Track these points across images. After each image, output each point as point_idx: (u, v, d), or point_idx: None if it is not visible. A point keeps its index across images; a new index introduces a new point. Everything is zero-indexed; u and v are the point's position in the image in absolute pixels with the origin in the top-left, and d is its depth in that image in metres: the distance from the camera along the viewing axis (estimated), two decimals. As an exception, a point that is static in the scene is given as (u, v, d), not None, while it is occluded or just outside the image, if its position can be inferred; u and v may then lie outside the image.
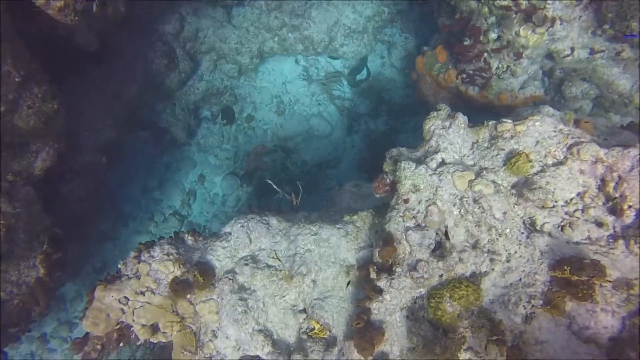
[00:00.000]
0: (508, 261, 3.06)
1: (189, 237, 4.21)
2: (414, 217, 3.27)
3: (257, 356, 3.65)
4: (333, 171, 8.55)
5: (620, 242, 2.88)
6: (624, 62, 5.79)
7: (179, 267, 3.84)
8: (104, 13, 5.72)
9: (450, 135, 3.54)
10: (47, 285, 4.75)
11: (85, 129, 5.97)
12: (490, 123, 3.59)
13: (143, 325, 3.89)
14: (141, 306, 3.86)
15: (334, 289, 3.66)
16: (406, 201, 3.31)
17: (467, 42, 6.35)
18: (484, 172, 3.32)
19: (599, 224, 3.03)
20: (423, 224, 3.23)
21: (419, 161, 3.47)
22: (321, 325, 3.58)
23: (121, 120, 6.87)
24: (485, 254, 3.09)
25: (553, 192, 3.16)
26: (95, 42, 5.69)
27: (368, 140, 8.62)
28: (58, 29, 5.03)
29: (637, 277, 2.74)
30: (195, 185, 8.61)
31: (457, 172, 3.29)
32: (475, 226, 3.17)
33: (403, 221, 3.28)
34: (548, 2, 5.52)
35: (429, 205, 3.24)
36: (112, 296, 3.85)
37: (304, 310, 3.72)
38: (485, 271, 3.06)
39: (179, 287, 3.78)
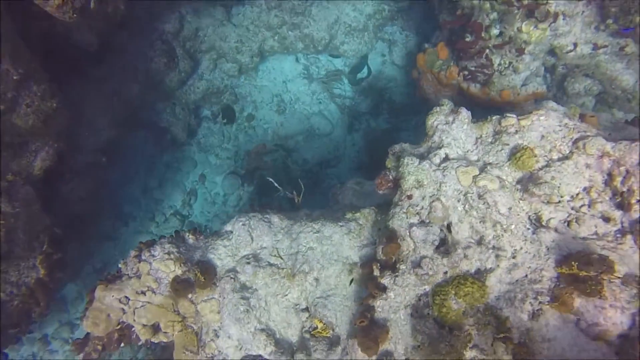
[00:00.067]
0: (514, 257, 3.02)
1: (190, 236, 4.17)
2: (417, 213, 3.22)
3: (260, 356, 3.61)
4: (334, 170, 8.51)
5: (629, 237, 2.83)
6: (628, 58, 5.74)
7: (180, 266, 3.80)
8: (103, 11, 5.69)
9: (454, 131, 3.49)
10: (48, 285, 4.71)
11: (85, 129, 5.93)
12: (494, 118, 3.55)
13: (144, 325, 3.84)
14: (142, 306, 3.82)
15: (337, 287, 3.62)
16: (409, 197, 3.27)
17: (468, 39, 6.30)
18: (488, 167, 3.27)
19: (606, 219, 2.98)
20: (427, 220, 3.18)
21: (422, 157, 3.42)
22: (324, 324, 3.54)
23: (121, 120, 6.83)
24: (491, 250, 3.04)
25: (559, 187, 3.11)
26: (95, 41, 5.65)
27: (369, 138, 8.58)
28: (57, 28, 5.00)
29: (646, 272, 2.70)
30: (196, 184, 8.57)
31: (461, 167, 3.24)
32: (480, 222, 3.12)
33: (407, 217, 3.23)
34: (551, -4, 5.48)
35: (432, 201, 3.20)
36: (113, 296, 3.81)
37: (307, 309, 3.67)
38: (490, 268, 3.01)
39: (180, 287, 3.74)
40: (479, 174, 3.21)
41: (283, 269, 3.74)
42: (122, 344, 3.99)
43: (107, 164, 6.95)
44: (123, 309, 3.85)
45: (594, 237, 2.95)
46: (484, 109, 6.75)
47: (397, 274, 3.14)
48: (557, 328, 2.73)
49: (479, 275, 3.01)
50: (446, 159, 3.39)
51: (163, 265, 3.80)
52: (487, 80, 6.52)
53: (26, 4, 4.18)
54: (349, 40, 8.43)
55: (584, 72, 6.14)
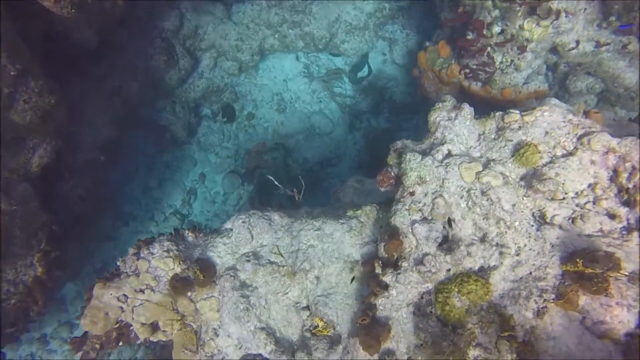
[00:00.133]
0: (518, 255, 2.97)
1: (189, 234, 4.12)
2: (420, 210, 3.18)
3: (260, 355, 3.56)
4: (335, 169, 8.47)
5: (635, 234, 2.78)
6: (631, 55, 5.69)
7: (179, 264, 3.76)
8: (102, 8, 5.66)
9: (456, 127, 3.45)
10: (46, 284, 4.67)
11: (85, 127, 5.90)
12: (496, 114, 3.51)
13: (143, 324, 3.80)
14: (141, 304, 3.78)
15: (338, 286, 3.57)
16: (412, 194, 3.22)
17: (470, 37, 6.27)
18: (492, 163, 3.23)
19: (612, 216, 2.94)
20: (429, 217, 3.14)
21: (425, 153, 3.38)
22: (325, 323, 3.49)
23: (121, 119, 6.80)
24: (494, 248, 3.00)
25: (563, 184, 3.07)
26: (95, 38, 5.62)
27: (369, 138, 8.54)
28: (56, 25, 4.96)
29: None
30: (196, 184, 8.53)
31: (464, 163, 3.20)
32: (484, 219, 3.08)
33: (409, 214, 3.18)
34: (553, -7, 5.45)
35: (435, 198, 3.15)
36: (111, 294, 3.76)
37: (307, 307, 3.63)
38: (494, 265, 2.97)
39: (179, 285, 3.69)
40: (482, 170, 3.16)
41: (283, 266, 3.70)
42: (121, 343, 3.94)
43: (107, 163, 6.91)
44: (121, 307, 3.81)
45: (599, 234, 2.90)
46: (486, 107, 6.71)
47: (399, 271, 3.09)
48: (562, 326, 2.68)
49: (483, 273, 2.96)
50: (449, 155, 3.35)
51: (162, 263, 3.75)
52: (488, 78, 6.48)
53: (25, 1, 4.15)
54: (350, 38, 8.39)
55: (586, 70, 6.10)
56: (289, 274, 3.66)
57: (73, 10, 3.92)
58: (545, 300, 2.73)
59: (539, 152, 3.18)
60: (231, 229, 4.00)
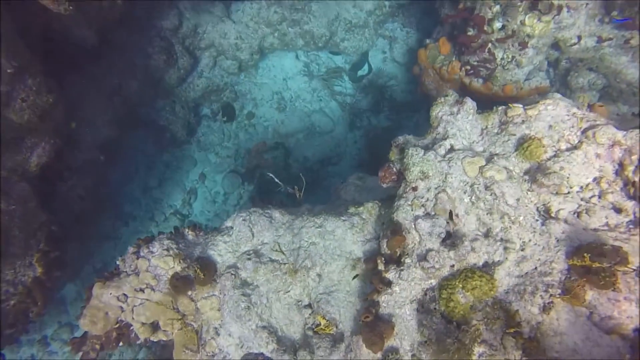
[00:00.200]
0: (522, 250, 2.93)
1: (190, 232, 4.08)
2: (423, 205, 3.14)
3: (261, 354, 3.51)
4: (335, 168, 8.43)
5: (641, 227, 2.74)
6: (633, 50, 5.65)
7: (179, 262, 3.71)
8: (101, 7, 5.62)
9: (459, 121, 3.40)
10: (45, 284, 4.62)
11: (84, 126, 5.85)
12: (499, 108, 3.46)
13: (143, 324, 3.76)
14: (141, 304, 3.73)
15: (340, 283, 3.53)
16: (414, 189, 3.18)
17: (471, 33, 6.23)
18: (495, 158, 3.18)
19: (618, 210, 2.89)
20: (432, 212, 3.09)
21: (427, 148, 3.34)
22: (327, 321, 3.45)
23: (120, 118, 6.76)
24: (499, 243, 2.95)
25: (568, 178, 3.03)
26: (94, 37, 5.58)
27: (370, 136, 8.50)
28: (54, 23, 4.92)
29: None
30: (196, 183, 8.49)
31: (467, 158, 3.16)
32: (487, 214, 3.03)
33: (412, 210, 3.14)
34: (555, -12, 5.40)
35: (438, 193, 3.11)
36: (111, 293, 3.72)
37: (310, 306, 3.58)
38: (498, 260, 2.92)
39: (180, 283, 3.65)
40: (486, 165, 3.12)
41: (285, 264, 3.65)
42: (121, 343, 3.90)
43: (107, 162, 6.87)
44: (121, 307, 3.77)
45: (606, 228, 2.86)
46: (487, 104, 6.67)
47: (402, 267, 3.05)
48: (569, 322, 2.64)
49: (487, 269, 2.92)
50: (451, 150, 3.31)
51: (162, 262, 3.71)
52: (489, 75, 6.44)
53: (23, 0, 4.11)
54: (350, 37, 8.35)
55: (588, 66, 6.05)
56: (291, 272, 3.62)
57: (71, 7, 3.88)
58: (551, 295, 2.69)
59: (543, 146, 3.13)
60: (232, 227, 3.96)
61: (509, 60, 6.28)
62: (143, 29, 7.37)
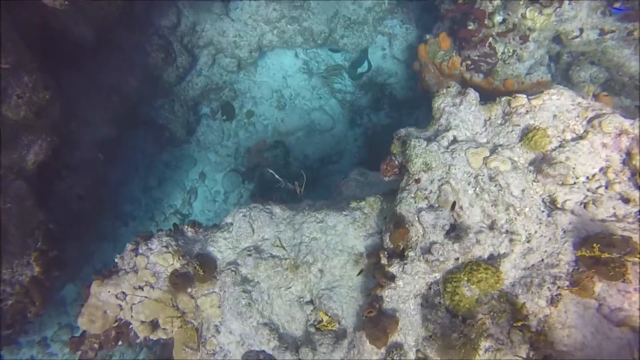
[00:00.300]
0: (528, 241, 2.86)
1: (189, 229, 4.02)
2: (426, 197, 3.07)
3: (263, 351, 3.45)
4: (335, 166, 8.37)
5: (651, 217, 2.67)
6: (635, 43, 5.59)
7: (179, 259, 3.65)
8: (99, 4, 5.57)
9: (461, 113, 3.34)
10: (43, 284, 4.56)
11: (82, 124, 5.80)
12: (502, 99, 3.41)
13: (142, 322, 3.69)
14: (140, 301, 3.67)
15: (342, 279, 3.46)
16: (417, 181, 3.12)
17: (471, 27, 6.17)
18: (499, 148, 3.12)
19: (626, 200, 2.83)
20: (436, 205, 3.03)
21: (430, 140, 3.28)
22: (330, 317, 3.38)
23: (119, 116, 6.71)
24: (504, 235, 2.89)
25: (574, 168, 2.97)
26: (92, 34, 5.53)
27: (369, 134, 8.45)
28: (51, 20, 4.87)
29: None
30: (196, 183, 8.43)
31: (470, 149, 3.10)
32: (492, 205, 2.97)
33: (415, 202, 3.08)
34: (556, -20, 5.35)
35: (442, 185, 3.05)
36: (109, 291, 3.66)
37: (311, 302, 3.52)
38: (504, 253, 2.86)
39: (179, 281, 3.59)
40: (490, 156, 3.06)
41: (286, 259, 3.59)
42: (120, 342, 3.84)
43: (106, 162, 6.82)
44: (120, 305, 3.70)
45: (613, 219, 2.80)
46: (488, 99, 6.62)
47: (405, 261, 2.99)
48: (578, 314, 2.57)
49: (493, 261, 2.85)
50: (454, 141, 3.25)
51: (161, 259, 3.65)
52: (490, 69, 6.38)
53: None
54: (349, 33, 8.30)
55: (590, 60, 5.99)
56: (292, 268, 3.56)
57: (66, 2, 3.82)
58: (559, 287, 2.63)
59: (548, 136, 3.07)
60: (232, 223, 3.90)
61: (510, 54, 6.22)
62: (141, 27, 7.32)
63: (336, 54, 8.60)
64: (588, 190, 2.94)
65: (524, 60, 6.21)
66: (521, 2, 5.67)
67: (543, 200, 2.98)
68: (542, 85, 6.32)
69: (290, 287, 3.53)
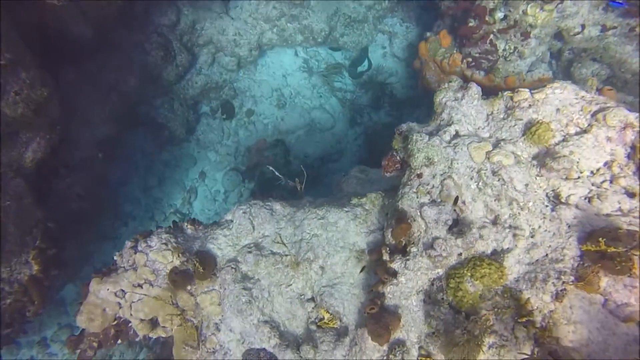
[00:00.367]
0: (532, 236, 2.82)
1: (189, 226, 3.98)
2: (428, 192, 3.04)
3: (263, 349, 3.41)
4: (336, 165, 8.33)
5: (656, 211, 2.64)
6: (638, 38, 5.55)
7: (178, 256, 3.61)
8: (99, 4, 5.54)
9: (464, 107, 3.31)
10: (42, 282, 4.52)
11: (81, 123, 5.77)
12: (505, 93, 3.37)
13: (141, 320, 3.65)
14: (139, 299, 3.63)
15: (343, 275, 3.42)
16: (419, 176, 3.08)
17: (472, 24, 6.14)
18: (502, 143, 3.09)
19: (631, 194, 2.79)
20: (438, 199, 2.99)
21: (431, 134, 3.24)
22: (331, 315, 3.34)
23: (118, 115, 6.68)
24: (507, 230, 2.85)
25: (578, 162, 2.93)
26: (90, 32, 5.49)
27: (368, 133, 8.41)
28: (49, 17, 4.83)
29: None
30: (196, 182, 8.40)
31: (473, 143, 3.06)
32: (495, 200, 2.93)
33: (417, 197, 3.04)
34: (558, -25, 5.32)
35: (444, 179, 3.01)
36: (108, 289, 3.62)
37: (312, 299, 3.48)
38: (508, 248, 2.82)
39: (179, 278, 3.55)
40: (493, 150, 3.02)
41: (287, 256, 3.55)
42: (119, 341, 3.79)
43: (106, 161, 6.78)
44: (119, 303, 3.67)
45: (619, 213, 2.76)
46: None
47: (408, 257, 2.95)
48: (583, 310, 2.53)
49: (496, 256, 2.82)
50: (457, 135, 3.21)
51: (160, 256, 3.61)
52: (491, 66, 6.35)
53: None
54: (349, 32, 8.27)
55: (592, 56, 5.95)
56: (293, 265, 3.52)
57: (65, -2, 3.79)
58: (564, 282, 2.59)
59: (551, 130, 3.04)
60: (232, 220, 3.86)
61: (511, 51, 6.19)
62: (141, 25, 7.30)
63: (336, 52, 8.57)
64: (592, 184, 2.90)
65: (525, 57, 6.18)
66: (522, -2, 5.64)
67: (547, 195, 2.94)
68: (543, 82, 6.28)
69: (291, 285, 3.49)
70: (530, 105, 3.20)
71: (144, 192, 8.34)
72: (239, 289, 3.51)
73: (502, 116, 3.28)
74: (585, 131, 3.01)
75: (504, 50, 6.19)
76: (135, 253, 3.68)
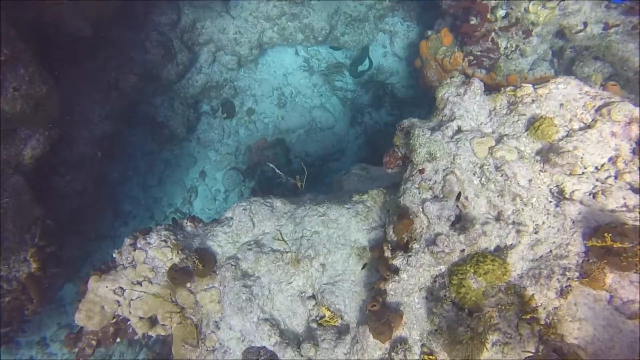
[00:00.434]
0: (536, 232, 2.79)
1: (188, 224, 3.95)
2: (430, 188, 3.00)
3: (264, 347, 3.37)
4: (336, 164, 8.30)
5: (662, 207, 2.60)
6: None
7: (178, 253, 3.58)
8: (97, 3, 5.53)
9: (466, 102, 3.27)
10: (41, 280, 4.48)
11: (80, 121, 5.74)
12: (507, 89, 3.34)
13: (140, 318, 3.62)
14: (138, 297, 3.59)
15: (344, 273, 3.38)
16: (422, 171, 3.05)
17: (473, 22, 6.12)
18: (505, 138, 3.05)
19: (636, 190, 2.76)
20: (441, 195, 2.96)
21: (434, 130, 3.20)
22: (332, 312, 3.30)
23: (118, 113, 6.65)
24: (511, 226, 2.81)
25: (582, 158, 2.89)
26: (89, 29, 5.47)
27: (368, 132, 8.39)
28: (47, 14, 4.81)
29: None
30: (196, 181, 8.37)
31: (475, 138, 3.02)
32: (498, 196, 2.89)
33: (419, 193, 3.00)
34: (560, -28, 5.30)
35: (446, 175, 2.97)
36: (107, 287, 3.58)
37: (313, 297, 3.44)
38: (511, 244, 2.78)
39: (178, 275, 3.51)
40: (496, 145, 2.99)
41: (287, 253, 3.51)
42: (118, 339, 3.76)
43: (105, 160, 6.76)
44: (118, 301, 3.63)
45: (624, 209, 2.72)
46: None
47: (410, 253, 2.91)
48: (588, 306, 2.49)
49: (499, 253, 2.78)
50: (459, 131, 3.18)
51: (160, 253, 3.58)
52: (492, 65, 6.32)
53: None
54: (350, 30, 8.25)
55: (594, 55, 5.91)
56: (293, 262, 3.48)
57: (64, -7, 3.77)
58: (568, 279, 2.55)
59: (555, 125, 3.00)
60: (232, 217, 3.83)
61: (513, 49, 6.16)
62: (141, 24, 7.28)
63: (337, 51, 8.55)
64: (597, 180, 2.87)
65: (526, 56, 6.15)
66: (524, -4, 5.62)
67: (550, 191, 2.90)
68: (545, 80, 6.25)
69: (292, 282, 3.45)
70: (533, 100, 3.16)
71: (144, 191, 8.31)
72: (239, 286, 3.48)
73: (504, 112, 3.25)
74: (589, 126, 2.97)
75: (506, 48, 6.17)
76: (135, 250, 3.65)
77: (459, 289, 2.69)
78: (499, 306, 2.64)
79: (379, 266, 3.09)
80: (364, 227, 3.50)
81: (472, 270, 2.68)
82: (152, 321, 3.67)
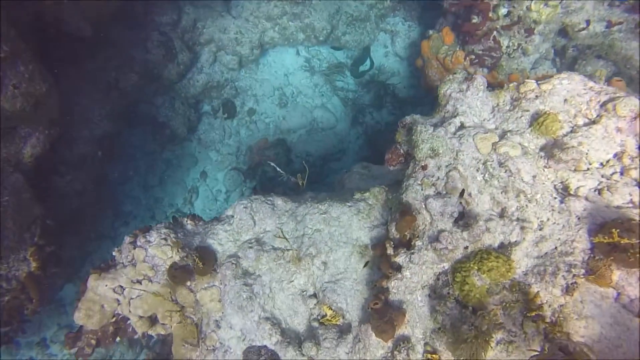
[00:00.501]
0: (541, 229, 2.75)
1: (189, 222, 3.92)
2: (433, 184, 2.96)
3: (265, 346, 3.33)
4: (337, 164, 8.27)
5: (669, 202, 2.56)
6: (642, 35, 5.48)
7: (178, 251, 3.55)
8: (96, 3, 5.52)
9: (469, 98, 3.24)
10: (40, 280, 4.45)
11: (81, 120, 5.73)
12: (511, 85, 3.31)
13: (140, 317, 3.58)
14: (138, 296, 3.56)
15: (346, 271, 3.34)
16: (424, 167, 3.01)
17: (475, 20, 6.09)
18: (508, 134, 3.02)
19: (642, 186, 2.71)
20: (444, 192, 2.92)
21: (436, 126, 3.17)
22: (334, 311, 3.26)
23: (119, 113, 6.64)
24: (515, 222, 2.78)
25: (587, 154, 2.85)
26: (88, 28, 5.46)
27: (368, 132, 8.36)
28: (46, 12, 4.80)
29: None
30: (197, 182, 8.34)
31: (479, 134, 2.99)
32: (502, 192, 2.86)
33: (422, 189, 2.97)
34: (562, -31, 5.27)
35: (449, 171, 2.94)
36: (107, 285, 3.55)
37: (315, 295, 3.40)
38: (515, 241, 2.74)
39: (178, 274, 3.48)
40: (499, 141, 2.95)
41: (288, 251, 3.47)
42: (118, 338, 3.72)
43: (106, 160, 6.74)
44: (118, 300, 3.60)
45: (630, 205, 2.68)
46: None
47: (412, 251, 2.87)
48: (595, 304, 2.45)
49: (504, 250, 2.74)
50: (462, 127, 3.14)
51: (160, 252, 3.54)
52: (494, 64, 6.29)
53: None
54: (351, 30, 8.24)
55: (596, 53, 5.88)
56: (294, 260, 3.44)
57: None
58: (574, 276, 2.50)
59: (559, 121, 2.96)
60: (232, 216, 3.80)
61: (515, 48, 6.14)
62: (141, 24, 7.28)
63: (338, 51, 8.53)
64: (602, 176, 2.83)
65: (529, 54, 6.12)
66: (526, -6, 5.59)
67: (555, 187, 2.87)
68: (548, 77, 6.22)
69: (293, 280, 3.42)
70: (536, 96, 3.13)
71: (144, 191, 8.29)
72: (239, 285, 3.44)
73: (508, 108, 3.21)
74: (594, 122, 2.94)
75: (508, 47, 6.14)
76: (134, 248, 3.62)
77: (462, 287, 2.65)
78: (504, 304, 2.60)
79: (381, 264, 3.05)
80: (365, 225, 3.46)
81: (476, 268, 2.64)
82: (152, 320, 3.63)
